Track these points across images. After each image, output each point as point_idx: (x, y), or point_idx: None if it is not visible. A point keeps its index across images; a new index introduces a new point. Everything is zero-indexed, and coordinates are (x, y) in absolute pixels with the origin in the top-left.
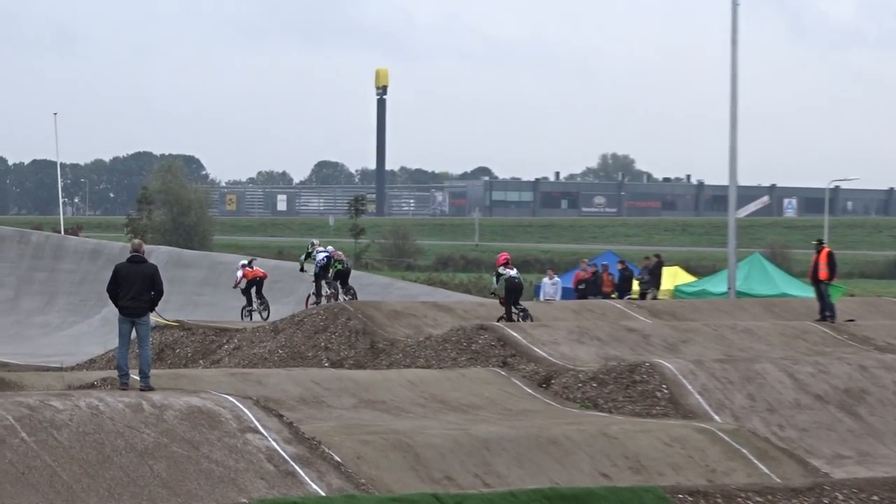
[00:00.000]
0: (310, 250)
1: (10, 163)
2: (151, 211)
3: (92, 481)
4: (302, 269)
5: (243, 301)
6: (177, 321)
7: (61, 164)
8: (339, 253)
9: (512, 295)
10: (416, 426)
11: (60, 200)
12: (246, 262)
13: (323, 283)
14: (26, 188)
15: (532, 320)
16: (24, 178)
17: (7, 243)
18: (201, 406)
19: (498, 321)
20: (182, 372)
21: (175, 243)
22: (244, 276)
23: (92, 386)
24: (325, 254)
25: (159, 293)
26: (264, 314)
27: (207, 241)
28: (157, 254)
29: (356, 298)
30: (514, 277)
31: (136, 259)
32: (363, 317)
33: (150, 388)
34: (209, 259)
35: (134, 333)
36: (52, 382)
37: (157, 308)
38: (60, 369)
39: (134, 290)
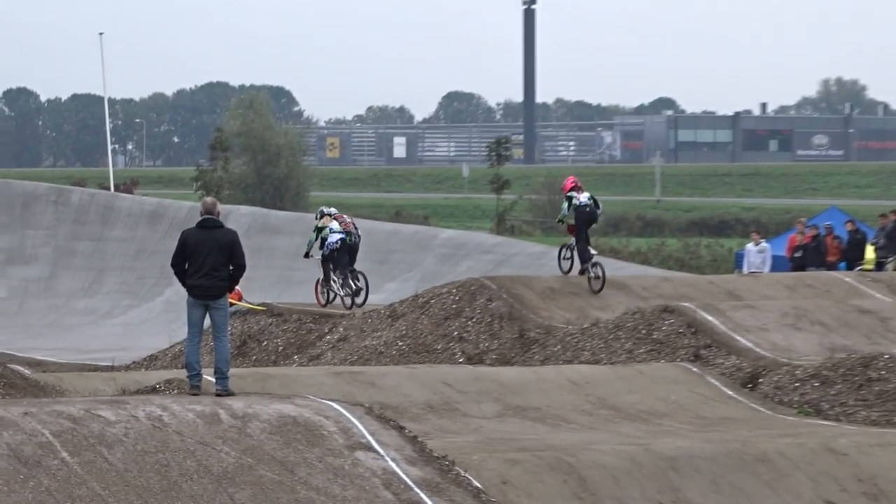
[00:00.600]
0: (319, 223)
1: (43, 98)
2: (228, 160)
3: None
4: (307, 255)
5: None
6: (263, 304)
7: (110, 99)
8: (347, 220)
9: (583, 228)
10: (580, 440)
11: (109, 147)
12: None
13: (332, 270)
14: (64, 132)
15: (603, 278)
16: (61, 118)
17: (40, 205)
18: (297, 416)
19: (581, 273)
20: (271, 371)
21: (260, 202)
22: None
23: (153, 390)
24: (341, 234)
25: (240, 268)
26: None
27: (302, 199)
28: (237, 216)
29: (365, 289)
30: (586, 205)
31: (210, 223)
32: (509, 297)
33: (229, 393)
34: (304, 222)
35: (208, 321)
36: (101, 386)
37: (237, 287)
38: (111, 369)
39: (207, 264)
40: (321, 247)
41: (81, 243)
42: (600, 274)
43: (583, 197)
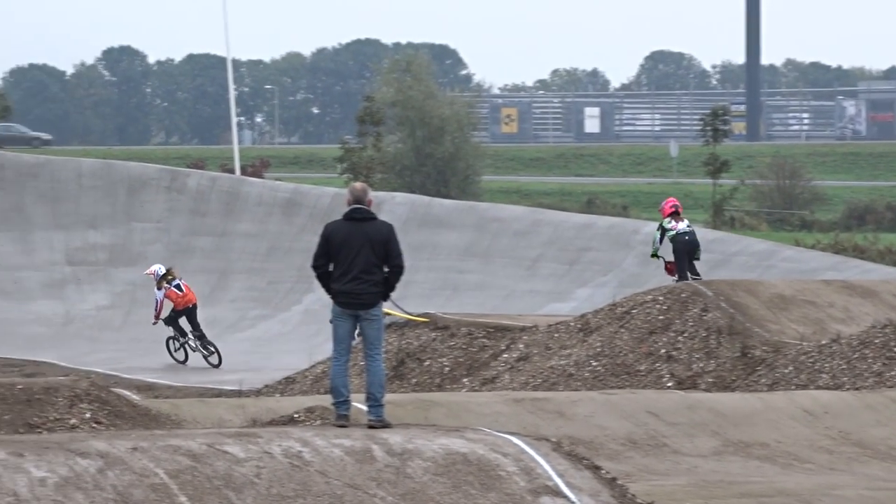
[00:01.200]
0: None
1: (152, 60)
2: (380, 136)
3: None
4: None
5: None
6: (425, 315)
7: (234, 61)
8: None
9: (684, 259)
10: (819, 484)
11: (234, 120)
12: (162, 271)
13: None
14: (178, 101)
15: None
16: (174, 84)
17: (149, 191)
18: (467, 453)
19: None
20: (435, 397)
21: (420, 188)
22: (168, 297)
23: (291, 420)
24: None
25: (397, 269)
26: (211, 358)
27: (472, 185)
28: (392, 206)
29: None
30: (685, 233)
31: (360, 215)
32: (729, 306)
33: (384, 424)
34: (475, 213)
35: (358, 335)
36: (227, 415)
37: (393, 294)
38: (239, 394)
39: (357, 265)
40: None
41: (200, 239)
42: None
43: (681, 225)
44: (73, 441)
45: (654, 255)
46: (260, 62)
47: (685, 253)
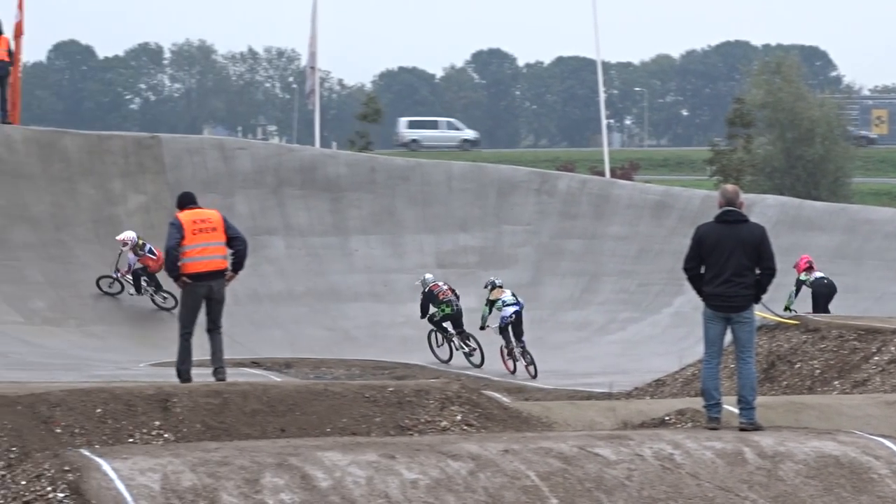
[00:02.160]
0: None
1: (521, 63)
2: (751, 138)
3: None
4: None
5: None
6: (796, 318)
7: (604, 63)
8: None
9: (820, 302)
10: None
11: (603, 123)
12: (135, 238)
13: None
14: (547, 104)
15: None
16: (543, 87)
17: (519, 194)
18: (839, 455)
19: None
20: (806, 400)
21: (790, 190)
22: (145, 263)
23: (661, 423)
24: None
25: (769, 272)
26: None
27: (842, 187)
28: (763, 208)
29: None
30: (822, 278)
31: (732, 217)
32: None
33: (755, 427)
34: (846, 215)
35: (729, 338)
36: (598, 418)
37: (764, 297)
38: (609, 396)
39: (729, 268)
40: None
41: (570, 242)
42: None
43: (816, 275)
44: (445, 443)
45: (787, 308)
46: (629, 64)
47: (823, 294)
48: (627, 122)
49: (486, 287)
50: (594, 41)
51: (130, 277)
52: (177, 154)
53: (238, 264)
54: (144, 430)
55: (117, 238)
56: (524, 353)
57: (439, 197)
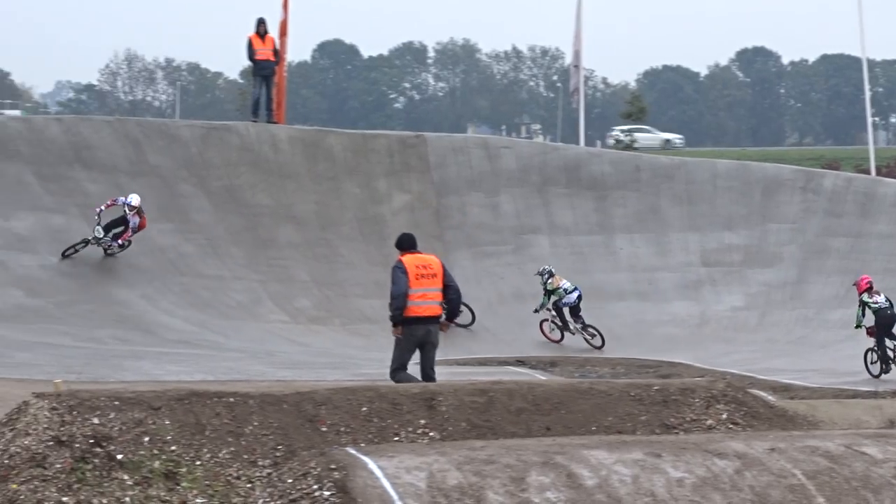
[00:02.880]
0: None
1: (786, 61)
2: None
3: None
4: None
5: None
6: None
7: (869, 61)
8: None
9: (882, 331)
10: None
11: (869, 121)
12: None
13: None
14: (812, 102)
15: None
16: (808, 85)
17: (784, 192)
18: None
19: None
20: None
21: None
22: (141, 226)
23: None
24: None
25: None
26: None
27: None
28: None
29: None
30: (885, 307)
31: None
32: None
33: None
34: None
35: None
36: (864, 416)
37: None
38: (875, 395)
39: None
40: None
41: (835, 240)
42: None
43: (879, 299)
44: (710, 442)
45: (858, 327)
46: (895, 62)
47: (885, 325)
48: (893, 119)
49: (541, 275)
50: (859, 39)
51: (101, 230)
52: (441, 153)
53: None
54: (410, 429)
55: (132, 203)
56: (585, 327)
57: (704, 195)
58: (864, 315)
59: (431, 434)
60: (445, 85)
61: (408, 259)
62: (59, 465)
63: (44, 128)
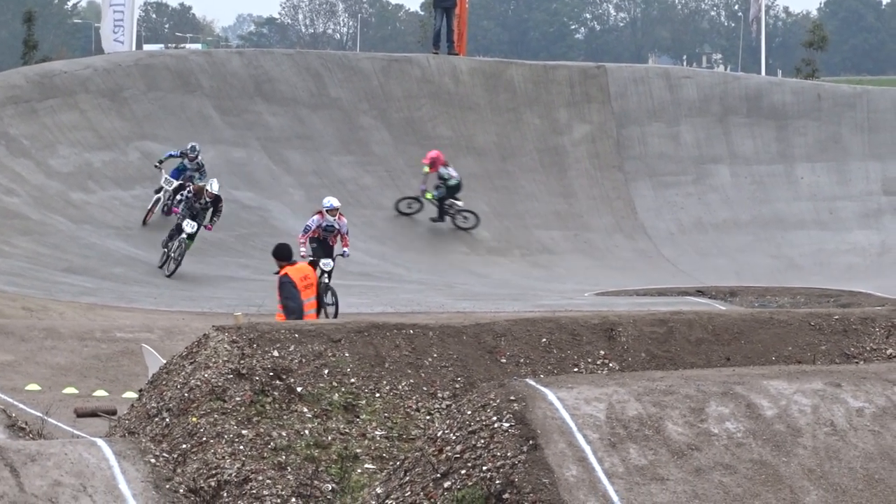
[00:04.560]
0: None
1: None
2: None
3: None
4: None
5: None
6: None
7: None
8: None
9: None
10: None
11: None
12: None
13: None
14: None
15: None
16: None
17: None
18: None
19: None
20: None
21: None
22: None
23: None
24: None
25: None
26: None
27: None
28: None
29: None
30: None
31: None
32: None
33: None
34: None
35: None
36: None
37: None
38: None
39: None
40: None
41: None
42: None
43: None
44: (891, 371)
45: None
46: None
47: None
48: None
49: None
50: None
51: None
52: (622, 83)
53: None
54: (589, 360)
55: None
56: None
57: (885, 124)
58: None
59: (611, 365)
60: (626, 15)
61: (292, 271)
62: (238, 398)
63: (225, 61)
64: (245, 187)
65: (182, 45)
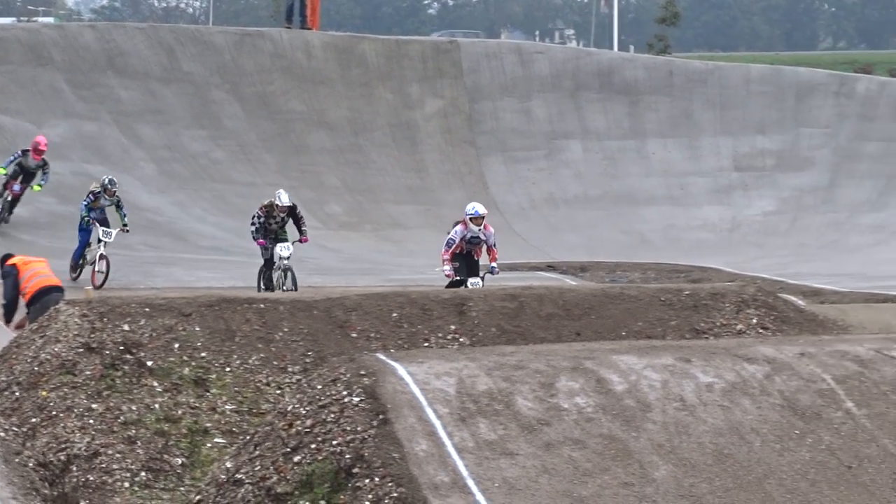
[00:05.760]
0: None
1: None
2: None
3: None
4: None
5: None
6: None
7: None
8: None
9: None
10: None
11: None
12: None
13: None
14: (846, 6)
15: None
16: None
17: (817, 96)
18: None
19: None
20: None
21: None
22: None
23: None
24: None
25: None
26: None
27: None
28: None
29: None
30: None
31: None
32: None
33: None
34: None
35: None
36: (894, 320)
37: None
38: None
39: None
40: None
41: (868, 144)
42: None
43: None
44: (740, 347)
45: None
46: None
47: None
48: None
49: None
50: None
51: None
52: (475, 59)
53: None
54: (440, 335)
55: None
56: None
57: (737, 100)
58: None
59: (461, 340)
60: None
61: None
62: (88, 372)
63: (77, 35)
64: (96, 161)
65: (34, 19)
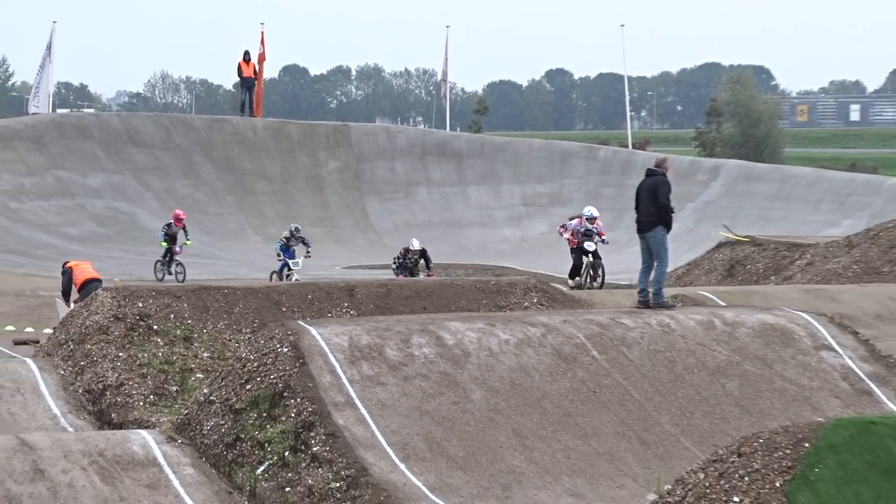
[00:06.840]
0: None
1: (576, 77)
2: (720, 124)
3: (663, 400)
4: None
5: None
6: (747, 236)
7: (628, 77)
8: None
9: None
10: None
11: (628, 114)
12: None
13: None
14: (592, 103)
15: None
16: (590, 92)
17: (574, 160)
18: (774, 323)
19: None
20: (754, 289)
21: (745, 157)
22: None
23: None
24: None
25: (662, 208)
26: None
27: (778, 154)
28: (728, 168)
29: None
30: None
31: (648, 173)
32: None
33: (659, 305)
34: (780, 173)
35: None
36: (623, 301)
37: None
38: (629, 286)
39: (641, 203)
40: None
41: (606, 189)
42: None
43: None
44: (526, 316)
45: None
46: (644, 77)
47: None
48: (643, 114)
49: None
50: (622, 61)
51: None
52: (359, 135)
53: None
54: (338, 309)
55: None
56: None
57: (524, 162)
58: None
59: (351, 312)
60: (362, 93)
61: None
62: (116, 333)
63: (108, 119)
64: (121, 200)
65: (81, 110)
